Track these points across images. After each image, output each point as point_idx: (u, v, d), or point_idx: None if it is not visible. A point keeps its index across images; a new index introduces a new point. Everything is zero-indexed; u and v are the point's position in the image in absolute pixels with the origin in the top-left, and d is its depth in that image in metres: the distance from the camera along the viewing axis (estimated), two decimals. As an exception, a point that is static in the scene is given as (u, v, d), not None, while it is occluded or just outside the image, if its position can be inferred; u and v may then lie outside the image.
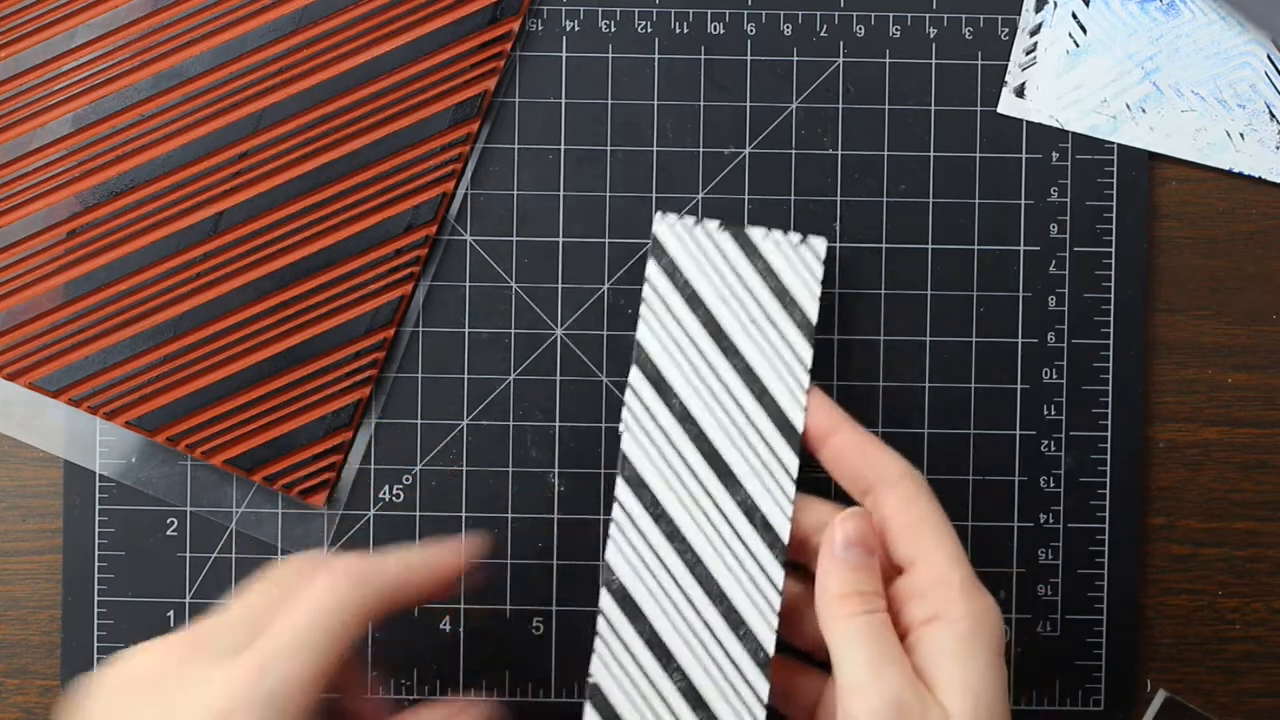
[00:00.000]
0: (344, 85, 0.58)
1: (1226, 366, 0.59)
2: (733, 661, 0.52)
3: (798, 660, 0.54)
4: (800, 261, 0.54)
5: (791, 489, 0.52)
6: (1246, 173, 0.59)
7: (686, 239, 0.54)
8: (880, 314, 0.58)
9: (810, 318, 0.53)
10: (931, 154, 0.59)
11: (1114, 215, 0.59)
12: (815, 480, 0.55)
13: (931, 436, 0.58)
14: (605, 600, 0.52)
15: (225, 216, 0.58)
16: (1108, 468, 0.59)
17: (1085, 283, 0.59)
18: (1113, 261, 0.59)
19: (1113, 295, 0.59)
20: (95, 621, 0.59)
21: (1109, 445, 0.59)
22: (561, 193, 0.59)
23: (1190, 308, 0.59)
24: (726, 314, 0.53)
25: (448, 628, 0.59)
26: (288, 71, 0.58)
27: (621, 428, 0.53)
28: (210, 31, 0.58)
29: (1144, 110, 0.59)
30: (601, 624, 0.52)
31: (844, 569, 0.50)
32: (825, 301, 0.58)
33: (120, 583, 0.59)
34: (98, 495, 0.59)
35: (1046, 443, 0.59)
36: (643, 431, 0.53)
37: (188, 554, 0.59)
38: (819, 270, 0.53)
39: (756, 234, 0.54)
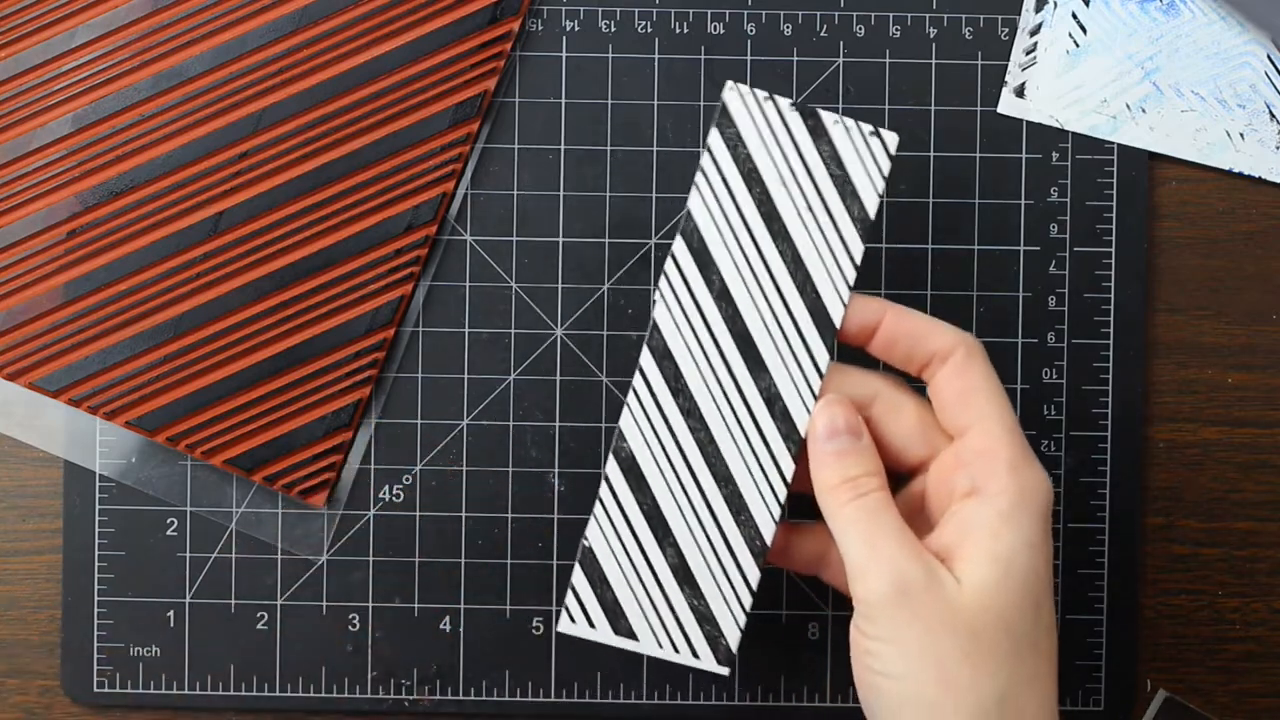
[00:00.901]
0: (344, 85, 0.58)
1: (1226, 366, 0.59)
2: (728, 545, 0.52)
3: (794, 519, 0.53)
4: (869, 153, 0.51)
5: (818, 384, 0.51)
6: (1246, 173, 0.59)
7: (756, 112, 0.51)
8: (880, 314, 0.58)
9: (869, 213, 0.51)
10: (931, 154, 0.59)
11: (1114, 215, 0.59)
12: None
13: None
14: (611, 467, 0.51)
15: (225, 216, 0.58)
16: (1108, 468, 0.59)
17: (1085, 283, 0.59)
18: (1113, 261, 0.59)
19: (1113, 295, 0.59)
20: (95, 621, 0.59)
21: (1109, 445, 0.59)
22: (561, 193, 0.59)
23: (1190, 308, 0.59)
24: (784, 196, 0.51)
25: (448, 628, 0.59)
26: (288, 71, 0.58)
27: (655, 295, 0.52)
28: (210, 31, 0.58)
29: (1144, 110, 0.59)
30: (604, 490, 0.51)
31: (831, 460, 0.50)
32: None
33: (120, 583, 0.59)
34: (98, 495, 0.59)
35: (1046, 443, 0.59)
36: (677, 303, 0.51)
37: (188, 554, 0.59)
38: (886, 165, 0.51)
39: (828, 118, 0.51)
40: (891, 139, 0.51)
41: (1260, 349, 0.59)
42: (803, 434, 0.51)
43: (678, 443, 0.52)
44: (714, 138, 0.51)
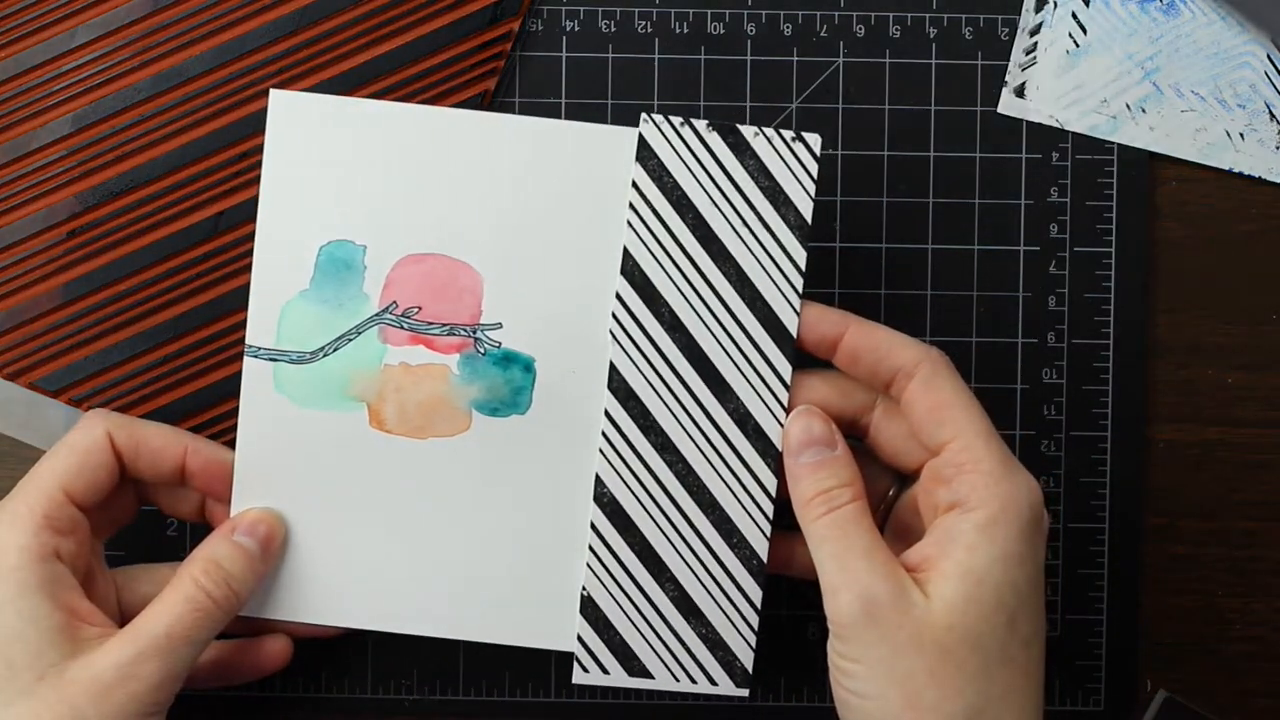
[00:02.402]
0: (344, 85, 0.58)
1: (1226, 366, 0.59)
2: (726, 570, 0.52)
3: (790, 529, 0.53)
4: (795, 159, 0.51)
5: (785, 395, 0.51)
6: (1246, 173, 0.59)
7: (675, 139, 0.51)
8: (880, 314, 0.58)
9: (805, 218, 0.51)
10: (931, 154, 0.59)
11: (1114, 215, 0.59)
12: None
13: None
14: (595, 513, 0.52)
15: (225, 216, 0.58)
16: (1108, 468, 0.59)
17: (1085, 283, 0.59)
18: (1113, 261, 0.59)
19: (1113, 295, 0.59)
20: (95, 621, 0.59)
21: (1109, 445, 0.59)
22: (561, 193, 0.59)
23: (1190, 308, 0.59)
24: (717, 217, 0.51)
25: (448, 628, 0.59)
26: (288, 71, 0.58)
27: (609, 337, 0.52)
28: (210, 31, 0.58)
29: (1144, 110, 0.59)
30: (593, 537, 0.51)
31: (804, 472, 0.49)
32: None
33: (120, 583, 0.59)
34: (98, 495, 0.59)
35: (1046, 443, 0.59)
36: (630, 342, 0.52)
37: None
38: (814, 168, 0.51)
39: (748, 132, 0.51)
40: (814, 140, 0.51)
41: (1260, 349, 0.59)
42: (779, 447, 0.51)
43: (657, 479, 0.52)
44: (637, 171, 0.51)
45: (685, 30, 0.59)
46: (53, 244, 0.58)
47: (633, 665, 0.52)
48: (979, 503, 0.47)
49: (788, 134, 0.51)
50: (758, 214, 0.51)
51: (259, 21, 0.58)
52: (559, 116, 0.59)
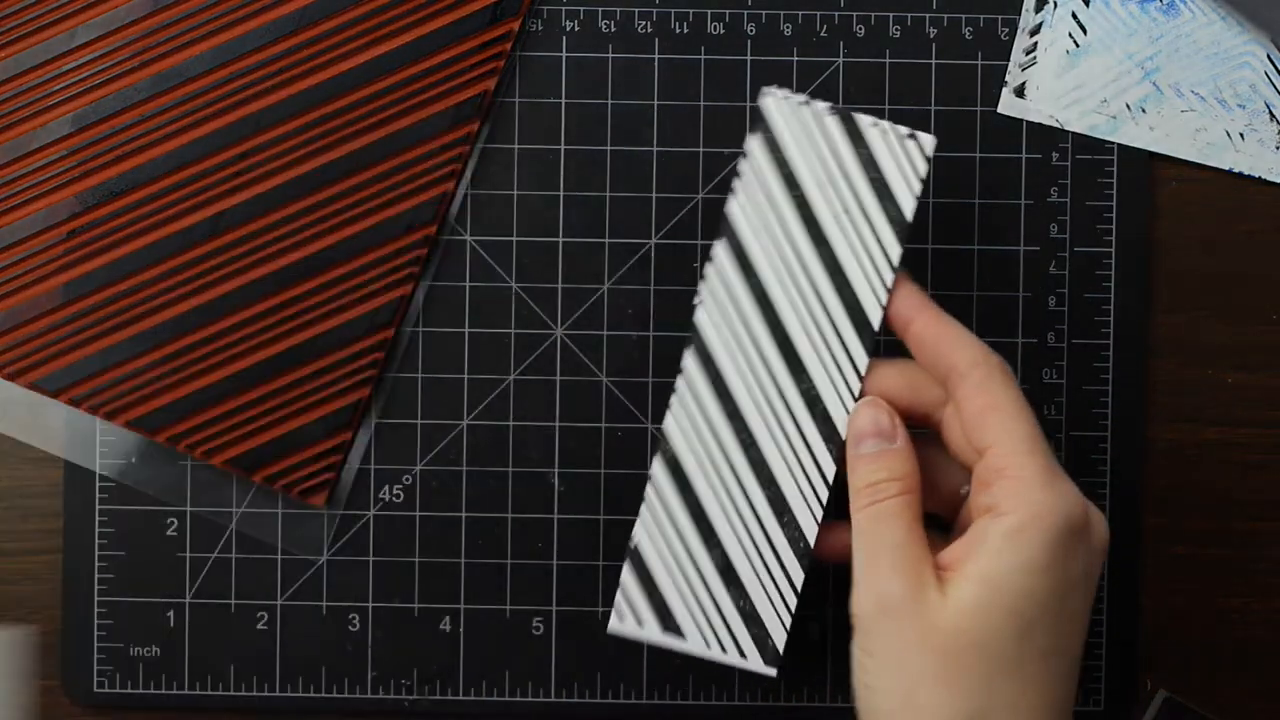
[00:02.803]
0: (344, 85, 0.58)
1: (1226, 366, 0.59)
2: (773, 546, 0.52)
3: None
4: (905, 156, 0.52)
5: (857, 386, 0.51)
6: (1246, 173, 0.59)
7: (791, 117, 0.52)
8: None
9: (906, 215, 0.52)
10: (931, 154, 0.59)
11: (1114, 215, 0.59)
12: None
13: (933, 437, 0.58)
14: (657, 467, 0.52)
15: (225, 217, 0.58)
16: (1108, 468, 0.59)
17: (1085, 283, 0.59)
18: (1113, 261, 0.59)
19: (1113, 295, 0.59)
20: (95, 621, 0.59)
21: (1109, 445, 0.59)
22: (561, 193, 0.59)
23: (1190, 308, 0.59)
24: (821, 200, 0.52)
25: (448, 628, 0.59)
26: (288, 71, 0.58)
27: (697, 299, 0.52)
28: (210, 31, 0.58)
29: (1144, 110, 0.59)
30: (650, 491, 0.52)
31: (859, 463, 0.50)
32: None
33: (120, 583, 0.59)
34: (98, 495, 0.59)
35: (1046, 443, 0.59)
36: (718, 307, 0.52)
37: (188, 554, 0.59)
38: (923, 168, 0.52)
39: (864, 121, 0.52)
40: (929, 142, 0.52)
41: (1260, 349, 0.59)
42: (843, 435, 0.51)
43: (721, 445, 0.52)
44: (752, 142, 0.52)
45: (685, 30, 0.59)
46: (53, 244, 0.58)
47: (668, 622, 0.52)
48: (1010, 509, 0.47)
49: (903, 130, 0.52)
50: (860, 203, 0.52)
51: (259, 21, 0.58)
52: (559, 116, 0.59)
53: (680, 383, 0.52)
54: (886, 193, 0.52)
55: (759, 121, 0.52)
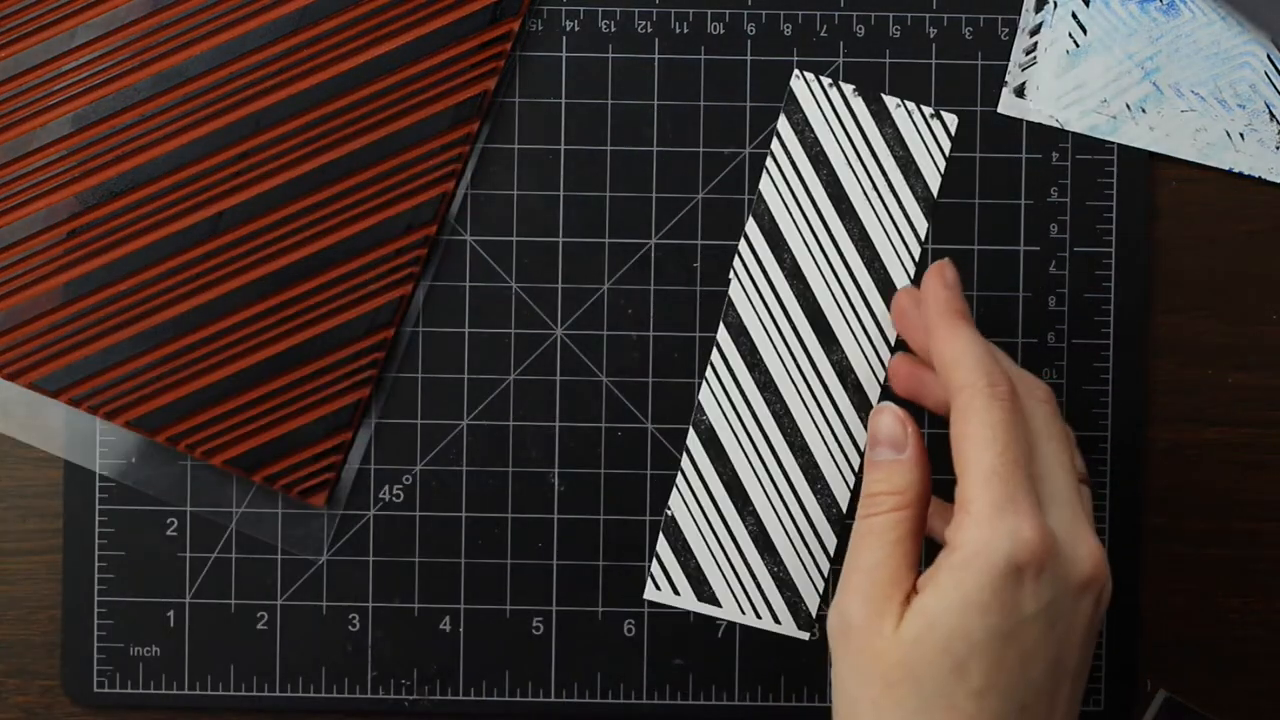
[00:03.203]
0: (344, 85, 0.58)
1: (1226, 366, 0.59)
2: (806, 513, 0.54)
3: None
4: (930, 134, 0.54)
5: (888, 356, 0.53)
6: (1246, 173, 0.59)
7: (821, 98, 0.54)
8: (880, 314, 0.58)
9: (932, 191, 0.54)
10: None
11: (1114, 215, 0.59)
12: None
13: (932, 437, 0.58)
14: (691, 438, 0.54)
15: (225, 216, 0.58)
16: (1108, 468, 0.59)
17: (1085, 283, 0.59)
18: (1113, 261, 0.59)
19: (1113, 295, 0.59)
20: (95, 621, 0.59)
21: (1109, 445, 0.59)
22: (561, 193, 0.59)
23: (1190, 308, 0.59)
24: (850, 177, 0.54)
25: (448, 628, 0.59)
26: (288, 71, 0.58)
27: (730, 274, 0.54)
28: (210, 31, 0.58)
29: (1144, 110, 0.59)
30: (685, 461, 0.54)
31: (867, 469, 0.49)
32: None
33: (120, 583, 0.59)
34: (98, 495, 0.59)
35: (1046, 443, 0.59)
36: (750, 281, 0.54)
37: (188, 554, 0.59)
38: (947, 145, 0.54)
39: (890, 102, 0.55)
40: (952, 120, 0.54)
41: (1260, 349, 0.59)
42: (874, 404, 0.52)
43: (754, 415, 0.54)
44: (782, 123, 0.54)
45: (685, 30, 0.59)
46: (53, 244, 0.58)
47: (703, 591, 0.54)
48: (957, 544, 0.46)
49: (927, 110, 0.55)
50: (888, 180, 0.54)
51: (259, 21, 0.58)
52: (559, 116, 0.59)
53: (714, 355, 0.54)
54: (913, 169, 0.54)
55: (789, 103, 0.54)
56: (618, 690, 0.59)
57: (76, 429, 0.58)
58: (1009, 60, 0.59)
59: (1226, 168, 0.59)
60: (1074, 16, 0.59)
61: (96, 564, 0.59)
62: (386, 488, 0.59)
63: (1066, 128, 0.59)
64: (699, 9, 0.59)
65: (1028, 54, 0.59)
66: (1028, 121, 0.59)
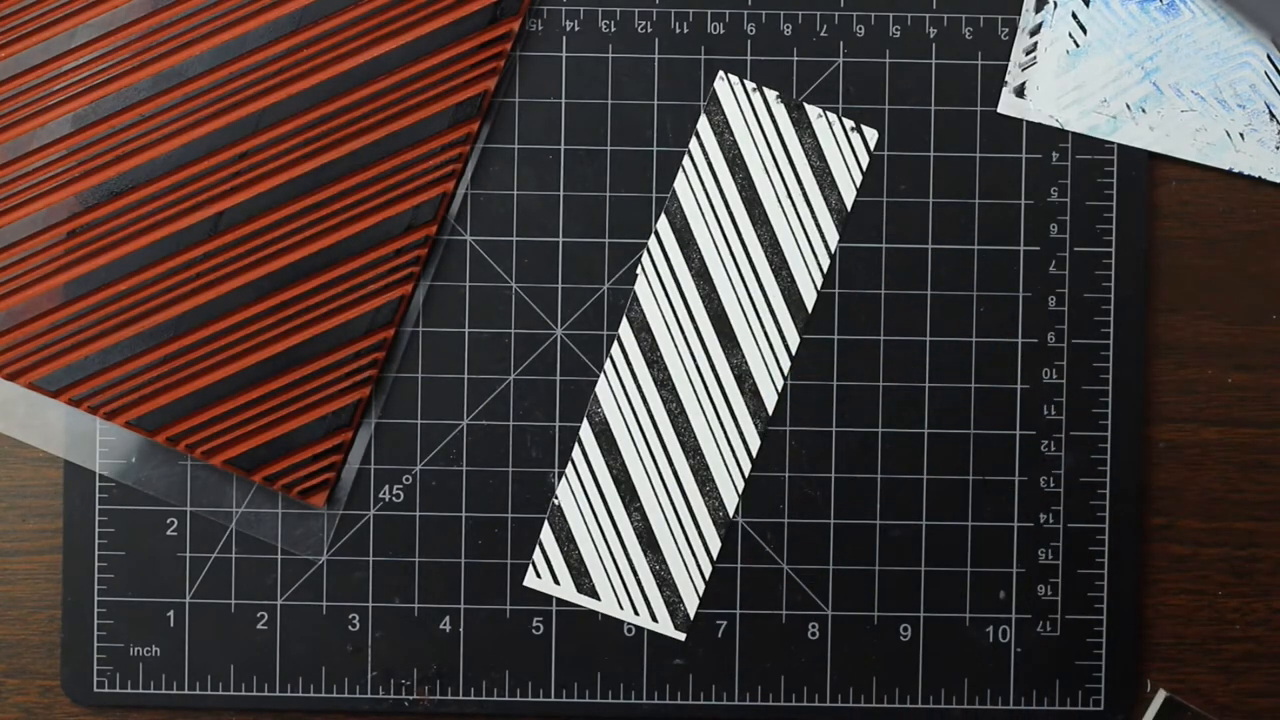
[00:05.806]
0: (344, 85, 0.58)
1: (1226, 366, 0.59)
2: (692, 514, 0.54)
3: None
4: (849, 147, 0.54)
5: (788, 365, 0.53)
6: (1246, 173, 0.59)
7: (744, 100, 0.54)
8: (880, 314, 0.58)
9: (846, 204, 0.54)
10: (931, 154, 0.59)
11: (1114, 215, 0.59)
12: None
13: (931, 436, 0.58)
14: (585, 430, 0.54)
15: (225, 216, 0.58)
16: (1108, 468, 0.59)
17: (1085, 283, 0.59)
18: (1113, 261, 0.59)
19: (1113, 295, 0.59)
20: (95, 621, 0.59)
21: (1109, 445, 0.59)
22: (561, 193, 0.59)
23: (1190, 308, 0.59)
24: (765, 182, 0.54)
25: (448, 628, 0.59)
26: (288, 71, 0.58)
27: (637, 270, 0.53)
28: (210, 31, 0.58)
29: (1144, 110, 0.59)
30: (576, 452, 0.54)
31: None
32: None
33: (120, 583, 0.59)
34: (98, 495, 0.59)
35: (1046, 443, 0.59)
36: (658, 278, 0.54)
37: (188, 554, 0.59)
38: (865, 160, 0.54)
39: (812, 112, 0.54)
40: (871, 135, 0.53)
41: (1260, 349, 0.59)
42: (770, 411, 0.53)
43: (650, 412, 0.54)
44: (702, 123, 0.53)
45: (685, 30, 0.59)
46: (53, 244, 0.58)
47: (583, 583, 0.54)
48: None
49: (848, 123, 0.54)
50: (803, 189, 0.54)
51: (259, 21, 0.58)
52: (559, 116, 0.59)
53: (614, 349, 0.53)
54: (829, 181, 0.54)
55: (711, 103, 0.54)
56: (618, 690, 0.59)
57: (76, 429, 0.58)
58: (1009, 60, 0.59)
59: (1226, 168, 0.59)
60: (1074, 16, 0.59)
61: (96, 564, 0.59)
62: (386, 488, 0.59)
63: (1066, 128, 0.59)
64: (699, 9, 0.59)
65: (1028, 54, 0.59)
66: (1028, 121, 0.59)
